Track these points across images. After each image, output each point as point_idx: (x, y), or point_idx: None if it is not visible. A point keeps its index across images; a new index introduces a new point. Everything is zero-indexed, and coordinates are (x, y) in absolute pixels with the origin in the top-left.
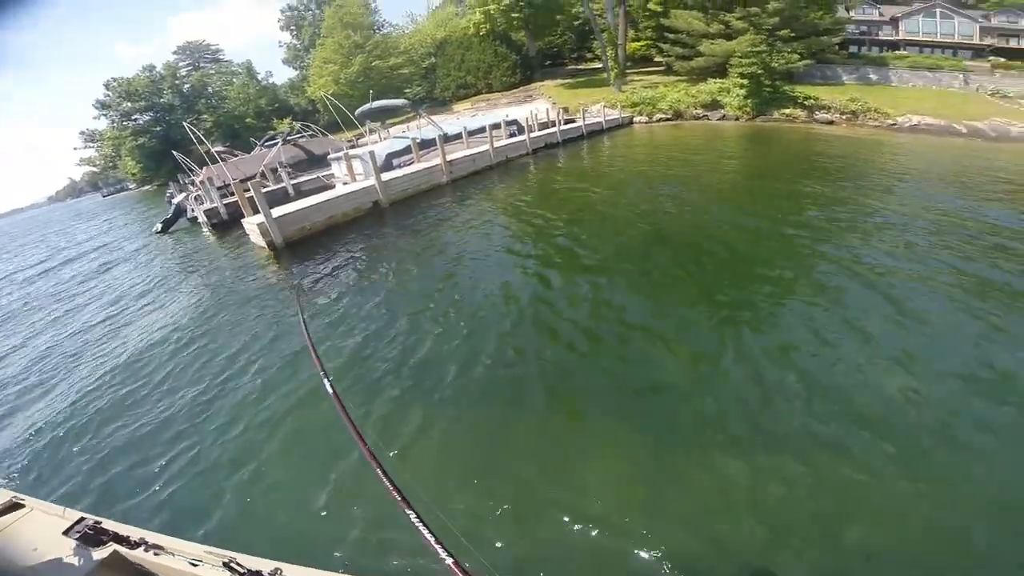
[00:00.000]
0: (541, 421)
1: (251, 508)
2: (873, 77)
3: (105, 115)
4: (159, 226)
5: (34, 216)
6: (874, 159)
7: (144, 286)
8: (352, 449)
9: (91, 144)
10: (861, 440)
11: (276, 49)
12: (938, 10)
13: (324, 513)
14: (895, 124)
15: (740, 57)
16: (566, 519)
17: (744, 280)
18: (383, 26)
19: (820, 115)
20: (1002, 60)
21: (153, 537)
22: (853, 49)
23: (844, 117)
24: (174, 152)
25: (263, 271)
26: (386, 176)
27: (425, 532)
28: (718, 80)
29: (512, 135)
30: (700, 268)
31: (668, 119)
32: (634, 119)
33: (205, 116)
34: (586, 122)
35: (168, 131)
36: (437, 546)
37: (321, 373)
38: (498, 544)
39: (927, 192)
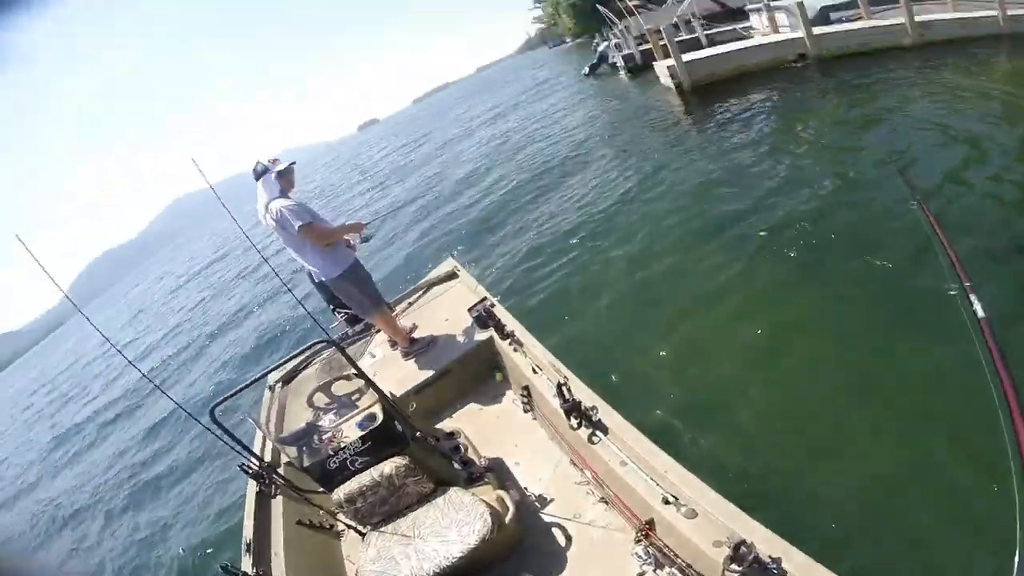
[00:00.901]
0: None
1: None
2: None
3: None
4: (586, 69)
5: (510, 65)
6: None
7: (569, 111)
8: None
9: (538, 4)
10: None
11: None
12: None
13: None
14: None
15: None
16: None
17: None
18: None
19: None
20: None
21: (520, 333)
22: None
23: None
24: (598, 6)
25: (668, 106)
26: (818, 29)
27: None
28: None
29: None
30: None
31: None
32: None
33: None
34: None
35: None
36: None
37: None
38: None
39: None
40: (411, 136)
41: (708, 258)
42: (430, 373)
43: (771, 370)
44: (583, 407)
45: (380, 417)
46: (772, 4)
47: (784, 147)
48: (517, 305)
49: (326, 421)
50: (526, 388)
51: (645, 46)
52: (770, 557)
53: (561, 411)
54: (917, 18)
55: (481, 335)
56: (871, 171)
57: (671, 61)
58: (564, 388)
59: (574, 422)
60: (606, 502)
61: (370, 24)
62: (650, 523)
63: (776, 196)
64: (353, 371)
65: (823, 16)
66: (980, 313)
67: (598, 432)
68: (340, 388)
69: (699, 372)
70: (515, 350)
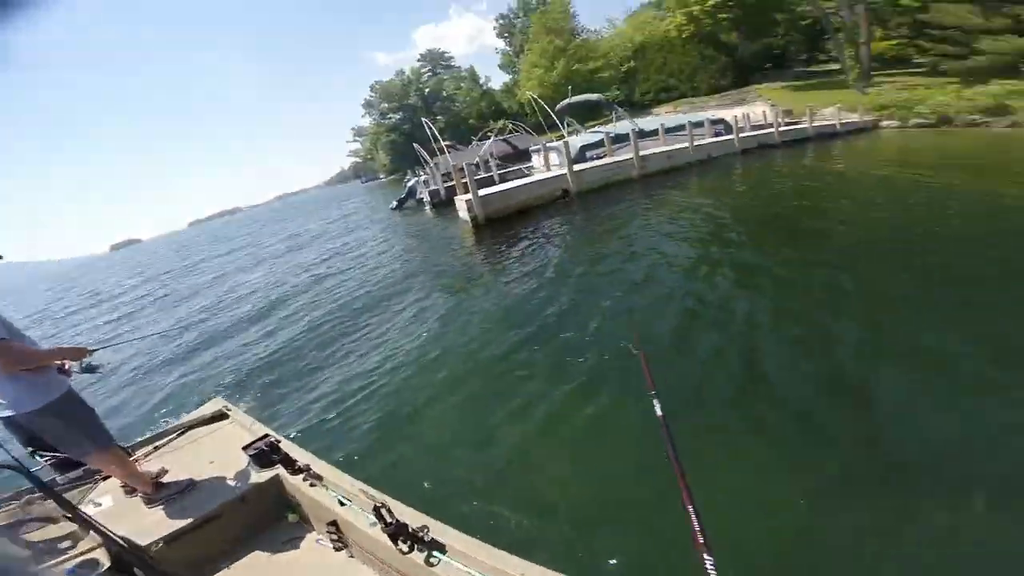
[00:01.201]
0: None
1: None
2: None
3: (369, 113)
4: (394, 203)
5: (316, 195)
6: None
7: (374, 243)
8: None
9: (357, 138)
10: None
11: (494, 56)
12: None
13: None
14: None
15: None
16: None
17: None
18: (583, 31)
19: None
20: None
21: (318, 466)
22: None
23: None
24: (414, 144)
25: (463, 238)
26: (577, 167)
27: None
28: (1007, 81)
29: (718, 134)
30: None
31: (929, 124)
32: (881, 123)
33: (439, 117)
34: (813, 123)
35: (412, 129)
36: None
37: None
38: None
39: None
40: (178, 262)
41: (497, 377)
42: (188, 520)
43: (575, 464)
44: (410, 529)
45: (105, 564)
46: (548, 145)
47: (547, 272)
48: (312, 441)
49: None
50: (333, 524)
51: (449, 183)
52: None
53: (386, 538)
54: (641, 152)
55: (264, 474)
56: (603, 291)
57: (468, 196)
58: (383, 511)
59: (404, 546)
60: None
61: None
62: None
63: (537, 316)
64: (65, 513)
65: (582, 154)
66: (659, 412)
67: (435, 552)
68: (43, 534)
69: (511, 474)
70: (312, 485)
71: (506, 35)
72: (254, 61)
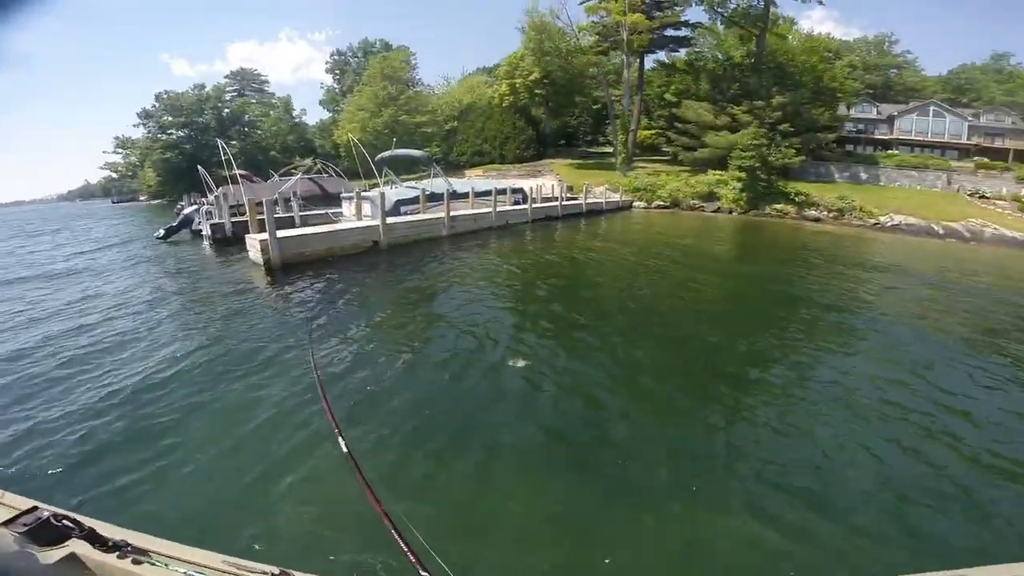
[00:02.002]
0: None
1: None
2: (863, 176)
3: (145, 124)
4: (161, 232)
5: (42, 210)
6: (853, 255)
7: (132, 283)
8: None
9: (120, 150)
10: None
11: (316, 89)
12: (931, 108)
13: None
14: (878, 223)
15: (741, 150)
16: None
17: (708, 358)
18: (418, 83)
19: (809, 212)
20: (985, 160)
21: (137, 539)
22: (849, 147)
23: (831, 215)
24: (199, 167)
25: (254, 287)
26: (391, 220)
27: None
28: (717, 172)
29: (516, 203)
30: (669, 349)
31: (666, 206)
32: (634, 204)
33: (234, 142)
34: (587, 200)
35: (196, 151)
36: None
37: (336, 431)
38: None
39: (894, 283)
40: None
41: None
42: None
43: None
44: None
45: None
46: (363, 194)
47: (349, 328)
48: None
49: None
50: None
51: (239, 218)
52: None
53: None
54: (452, 212)
55: (52, 553)
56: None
57: (264, 235)
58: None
59: None
60: None
61: None
62: None
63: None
64: None
65: (396, 208)
66: (344, 449)
67: None
68: None
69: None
70: (139, 562)
71: (337, 72)
72: None
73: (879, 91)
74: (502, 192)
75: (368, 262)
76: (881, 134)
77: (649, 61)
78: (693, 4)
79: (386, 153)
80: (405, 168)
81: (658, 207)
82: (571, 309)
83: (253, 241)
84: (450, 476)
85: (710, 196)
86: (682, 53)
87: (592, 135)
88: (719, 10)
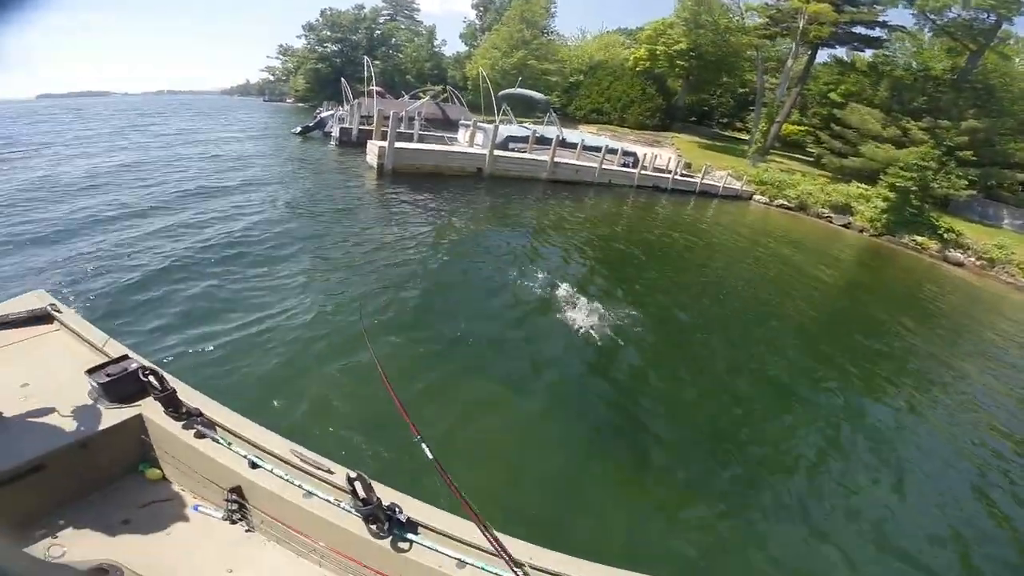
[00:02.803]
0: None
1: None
2: None
3: (307, 36)
4: (299, 128)
5: (211, 100)
6: (984, 315)
7: (267, 164)
8: None
9: (281, 56)
10: None
11: (459, 23)
12: None
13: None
14: None
15: (901, 168)
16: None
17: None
18: (554, 31)
19: (952, 253)
20: None
21: (214, 410)
22: None
23: (978, 263)
24: (342, 78)
25: (362, 184)
26: (497, 152)
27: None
28: (863, 186)
29: (625, 165)
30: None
31: (789, 207)
32: (754, 196)
33: (378, 62)
34: (703, 180)
35: (344, 64)
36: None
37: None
38: None
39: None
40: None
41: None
42: None
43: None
44: (385, 508)
45: None
46: (479, 124)
47: (439, 240)
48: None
49: None
50: (236, 489)
51: (366, 126)
52: None
53: (344, 514)
54: (557, 159)
55: (119, 412)
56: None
57: (383, 143)
58: (359, 485)
59: (375, 528)
60: None
61: None
62: None
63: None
64: None
65: (506, 143)
66: (429, 456)
67: (408, 535)
68: None
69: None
70: (202, 435)
71: (481, 8)
72: None
73: None
74: (613, 152)
75: (469, 185)
76: None
77: (823, 54)
78: (900, 5)
79: (508, 90)
80: (523, 111)
81: (780, 206)
82: (642, 280)
83: (373, 146)
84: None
85: (844, 209)
86: (867, 54)
87: (730, 118)
88: (932, 16)
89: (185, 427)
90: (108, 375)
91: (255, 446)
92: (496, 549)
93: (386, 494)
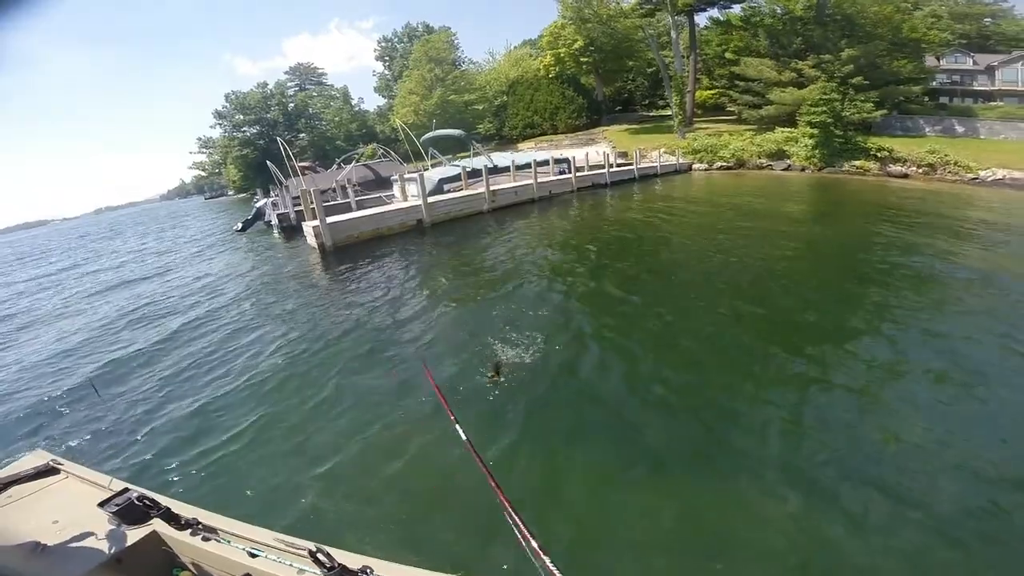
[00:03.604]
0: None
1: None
2: (959, 129)
3: (220, 124)
4: (239, 225)
5: (151, 209)
6: (949, 211)
7: (209, 268)
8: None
9: (204, 150)
10: None
11: (371, 77)
12: None
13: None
14: (977, 178)
15: (811, 106)
16: None
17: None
18: (464, 62)
19: (894, 168)
20: None
21: (207, 517)
22: (944, 99)
23: (920, 170)
24: (268, 163)
25: (309, 267)
26: (432, 199)
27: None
28: (786, 129)
29: (561, 172)
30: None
31: (729, 167)
32: (693, 166)
33: (303, 135)
34: (639, 165)
35: (268, 145)
36: None
37: (452, 419)
38: None
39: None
40: None
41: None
42: None
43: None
44: (352, 570)
45: None
46: (405, 176)
47: (397, 299)
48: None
49: None
50: None
51: (300, 206)
52: None
53: None
54: (493, 187)
55: (137, 531)
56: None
57: (316, 222)
58: (321, 556)
59: None
60: None
61: None
62: None
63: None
64: None
65: (439, 186)
66: (463, 437)
67: None
68: None
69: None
70: (206, 539)
71: (386, 58)
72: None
73: (974, 41)
74: (545, 163)
75: (414, 240)
76: (980, 85)
77: (703, 19)
78: None
79: (427, 135)
80: (454, 148)
81: (721, 168)
82: (598, 278)
83: (308, 227)
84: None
85: (779, 155)
86: (736, 9)
87: (650, 99)
88: None
89: (192, 534)
90: (116, 504)
91: (247, 539)
92: None
93: (356, 560)
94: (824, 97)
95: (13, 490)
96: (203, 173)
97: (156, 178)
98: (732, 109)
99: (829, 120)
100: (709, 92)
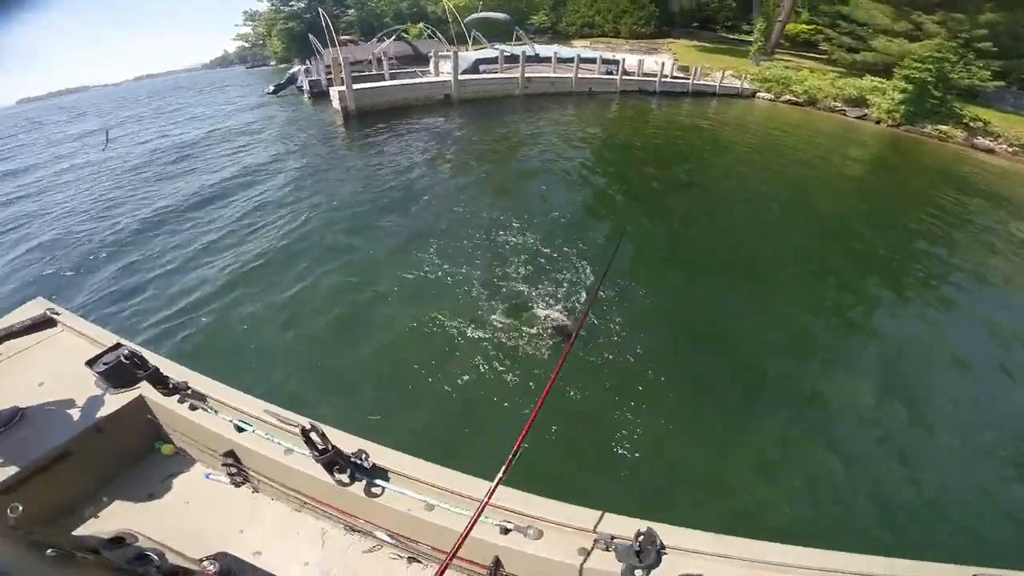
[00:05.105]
0: None
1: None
2: None
3: None
4: (271, 88)
5: (194, 76)
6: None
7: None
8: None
9: (250, 22)
10: None
11: None
12: None
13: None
14: None
15: (916, 60)
16: None
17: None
18: None
19: (981, 140)
20: None
21: (198, 382)
22: None
23: (1011, 149)
24: (310, 35)
25: (330, 127)
26: (463, 76)
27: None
28: (876, 79)
29: (608, 72)
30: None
31: (798, 103)
32: (758, 94)
33: (351, 11)
34: (695, 80)
35: (315, 19)
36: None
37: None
38: None
39: None
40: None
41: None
42: (25, 461)
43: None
44: (347, 455)
45: None
46: (441, 54)
47: (411, 162)
48: (172, 353)
49: None
50: (230, 454)
51: (332, 75)
52: (661, 543)
53: (318, 466)
54: (529, 74)
55: (122, 395)
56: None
57: (343, 87)
58: (314, 435)
59: (342, 476)
60: (418, 560)
61: None
62: (496, 562)
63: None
64: None
65: (476, 67)
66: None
67: (377, 480)
68: None
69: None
70: (194, 408)
71: None
72: None
73: None
74: (591, 61)
75: (439, 112)
76: None
77: None
78: None
79: (472, 16)
80: (504, 36)
81: (788, 102)
82: (606, 184)
83: (334, 92)
84: None
85: (859, 102)
86: None
87: (734, 21)
88: None
89: (180, 401)
90: (104, 364)
91: (237, 410)
92: (477, 491)
93: (351, 442)
94: (936, 55)
95: (5, 345)
96: (247, 44)
97: (199, 47)
98: (825, 47)
99: (931, 79)
100: (804, 27)
